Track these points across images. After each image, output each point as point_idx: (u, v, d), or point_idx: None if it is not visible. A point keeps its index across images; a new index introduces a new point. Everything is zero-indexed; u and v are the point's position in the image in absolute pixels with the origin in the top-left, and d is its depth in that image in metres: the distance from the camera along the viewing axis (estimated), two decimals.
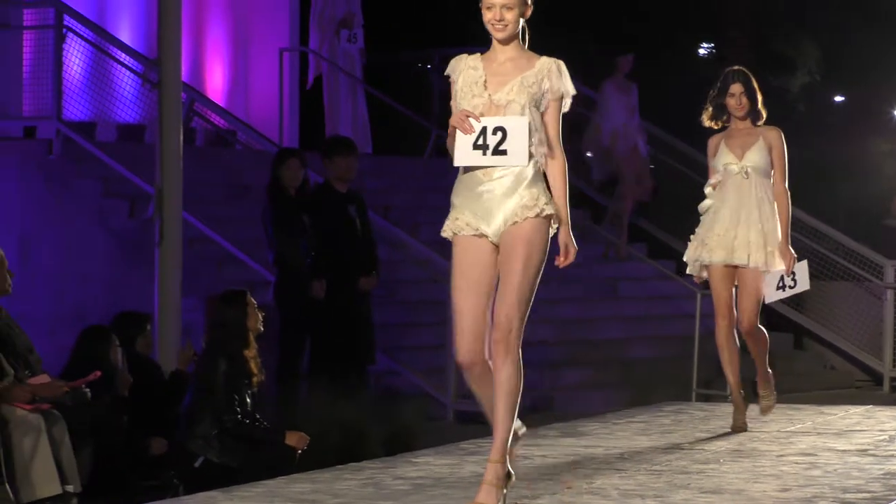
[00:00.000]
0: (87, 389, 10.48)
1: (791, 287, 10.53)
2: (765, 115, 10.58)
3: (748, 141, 10.46)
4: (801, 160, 20.44)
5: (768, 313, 18.28)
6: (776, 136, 10.47)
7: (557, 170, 7.25)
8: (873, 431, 10.26)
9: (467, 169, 7.24)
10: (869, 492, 7.78)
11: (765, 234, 10.31)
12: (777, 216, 10.41)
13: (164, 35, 13.65)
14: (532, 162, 7.13)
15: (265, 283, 14.58)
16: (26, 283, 11.01)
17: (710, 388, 15.82)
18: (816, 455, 9.14)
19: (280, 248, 14.20)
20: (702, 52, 27.09)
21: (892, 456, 9.10)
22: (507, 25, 7.22)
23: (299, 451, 10.63)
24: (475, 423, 13.97)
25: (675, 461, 8.84)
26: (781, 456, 9.12)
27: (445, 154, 19.92)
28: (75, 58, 17.05)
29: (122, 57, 17.48)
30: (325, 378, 13.64)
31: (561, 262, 7.18)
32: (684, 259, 10.71)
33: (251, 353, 10.88)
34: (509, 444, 7.12)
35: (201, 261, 14.79)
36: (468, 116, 7.15)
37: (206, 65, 19.31)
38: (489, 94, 7.19)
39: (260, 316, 11.09)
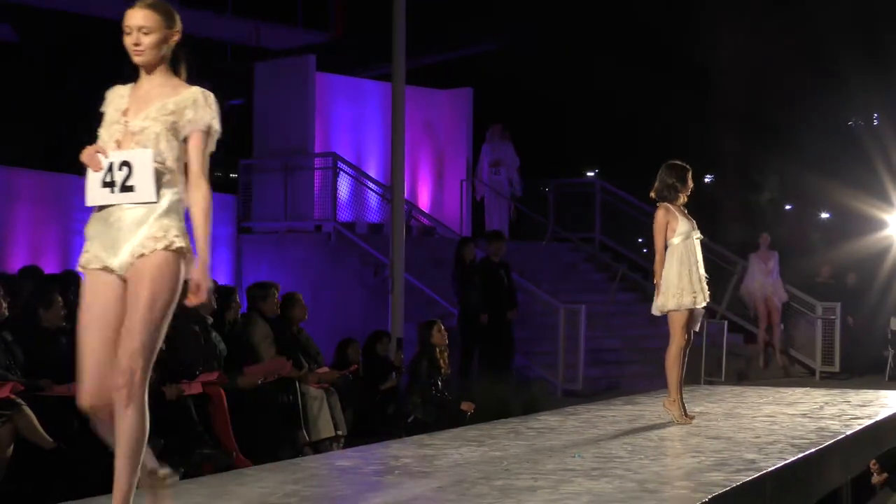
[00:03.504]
0: (350, 375, 10.58)
1: None
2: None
3: (685, 215, 8.50)
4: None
5: (746, 332, 18.05)
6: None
7: (198, 201, 4.48)
8: (810, 403, 10.07)
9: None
10: (808, 439, 7.65)
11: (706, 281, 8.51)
12: None
13: (394, 170, 13.78)
14: (170, 192, 4.45)
15: (452, 315, 14.62)
16: (316, 314, 11.14)
17: (712, 376, 15.65)
18: (776, 417, 9.00)
19: (461, 295, 14.27)
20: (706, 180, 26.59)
21: (822, 417, 8.93)
22: (144, 50, 4.54)
23: (469, 413, 10.63)
24: (574, 397, 13.92)
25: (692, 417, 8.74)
26: (755, 417, 8.97)
27: (558, 239, 20.12)
28: (344, 185, 17.26)
29: (370, 184, 17.68)
30: (487, 370, 13.67)
31: (191, 300, 4.45)
32: (669, 303, 8.39)
33: (440, 355, 10.87)
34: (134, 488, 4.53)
35: (415, 302, 14.88)
36: (97, 152, 4.45)
37: (418, 188, 19.49)
38: (126, 121, 4.49)
39: (445, 334, 11.05)
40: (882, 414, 9.28)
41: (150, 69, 4.60)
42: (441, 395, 10.70)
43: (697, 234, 8.53)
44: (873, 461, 7.84)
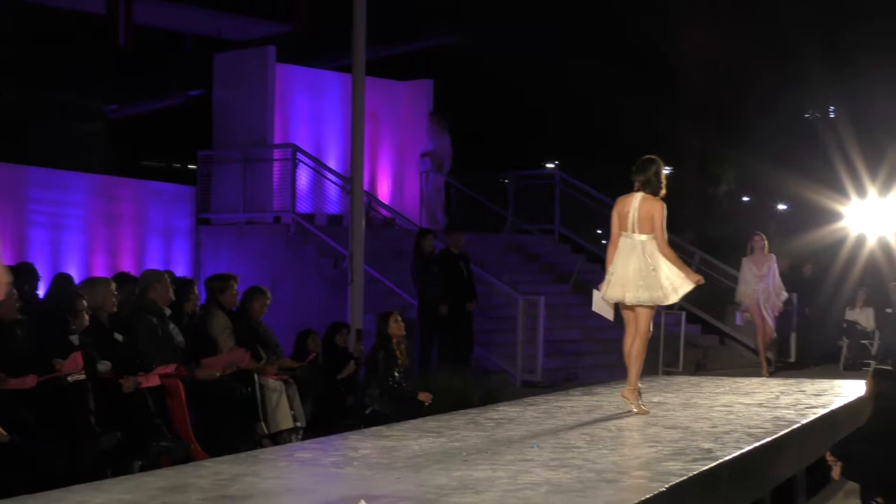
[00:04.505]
0: (306, 365, 10.54)
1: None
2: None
3: None
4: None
5: (704, 322, 18.12)
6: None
7: None
8: (766, 393, 10.15)
9: None
10: (764, 428, 7.71)
11: None
12: None
13: (354, 162, 13.72)
14: None
15: (411, 307, 14.61)
16: (274, 305, 11.07)
17: (670, 367, 15.74)
18: (732, 406, 9.06)
19: (420, 286, 14.26)
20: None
21: (778, 407, 9.01)
22: None
23: (426, 404, 10.58)
24: (533, 387, 13.93)
25: (648, 408, 8.76)
26: (712, 406, 9.02)
27: (518, 231, 20.08)
28: (303, 176, 17.19)
29: (330, 175, 17.62)
30: (446, 361, 13.67)
31: None
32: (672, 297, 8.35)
33: (397, 346, 10.80)
34: None
35: (374, 293, 14.86)
36: None
37: (378, 179, 19.42)
38: None
39: (402, 325, 10.97)
40: (836, 403, 9.37)
41: None
42: (399, 386, 10.67)
43: None
44: (828, 453, 7.89)
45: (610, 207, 8.60)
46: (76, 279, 10.48)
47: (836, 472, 7.86)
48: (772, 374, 14.65)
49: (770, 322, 15.19)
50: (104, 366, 8.29)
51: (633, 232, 8.27)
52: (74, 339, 8.22)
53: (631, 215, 8.27)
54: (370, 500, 5.19)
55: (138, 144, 22.66)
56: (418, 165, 19.15)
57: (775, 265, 15.31)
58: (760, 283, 15.17)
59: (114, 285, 9.00)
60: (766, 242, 15.36)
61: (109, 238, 16.07)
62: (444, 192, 19.18)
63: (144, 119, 22.61)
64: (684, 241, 18.52)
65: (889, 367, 9.30)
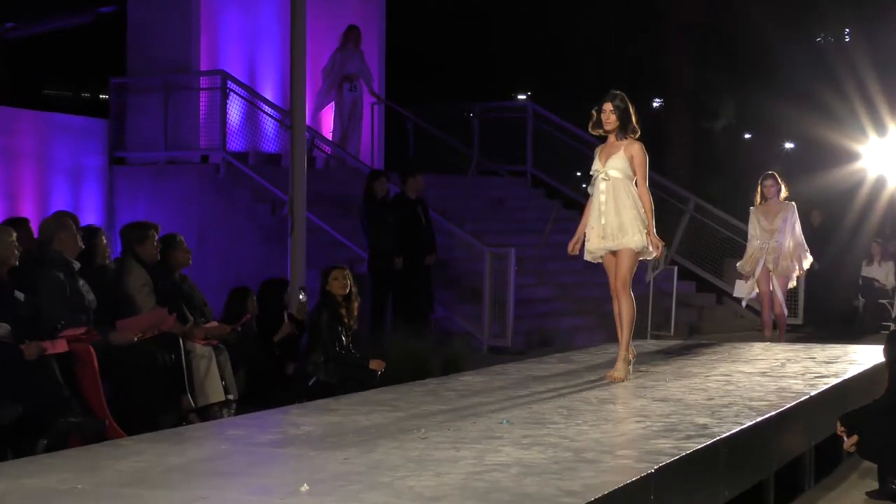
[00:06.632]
0: (240, 329, 10.51)
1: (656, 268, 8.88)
2: (635, 132, 8.82)
3: (612, 151, 8.78)
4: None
5: (699, 278, 18.25)
6: (637, 149, 8.75)
7: None
8: (770, 360, 10.22)
9: None
10: (767, 401, 7.76)
11: (621, 223, 8.72)
12: (638, 209, 8.71)
13: (294, 93, 13.63)
14: None
15: (362, 260, 14.62)
16: (202, 259, 11.03)
17: (660, 330, 15.84)
18: (731, 375, 9.12)
19: (372, 236, 14.26)
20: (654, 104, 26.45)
21: (783, 376, 9.07)
22: None
23: (379, 373, 10.58)
24: (502, 354, 14.00)
25: (635, 378, 8.80)
26: (708, 376, 9.08)
27: (484, 172, 20.05)
28: (235, 109, 17.11)
29: (266, 108, 17.53)
30: (401, 323, 13.70)
31: None
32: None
33: (344, 306, 10.77)
34: None
35: (319, 245, 14.84)
36: None
37: (322, 113, 19.27)
38: None
39: (348, 282, 10.93)
40: (850, 371, 9.45)
41: None
42: (347, 352, 10.64)
43: None
44: (838, 423, 7.97)
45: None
46: None
47: (847, 443, 7.93)
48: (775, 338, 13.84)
49: (779, 294, 13.45)
50: (2, 329, 8.22)
51: None
52: None
53: None
54: (314, 485, 5.20)
55: (40, 70, 22.41)
56: (346, 93, 18.85)
57: (795, 217, 13.43)
58: (770, 241, 13.30)
59: (14, 234, 8.89)
60: (781, 186, 13.50)
61: (7, 179, 15.94)
62: (362, 113, 18.92)
63: (47, 40, 22.33)
64: (676, 184, 18.57)
65: None
